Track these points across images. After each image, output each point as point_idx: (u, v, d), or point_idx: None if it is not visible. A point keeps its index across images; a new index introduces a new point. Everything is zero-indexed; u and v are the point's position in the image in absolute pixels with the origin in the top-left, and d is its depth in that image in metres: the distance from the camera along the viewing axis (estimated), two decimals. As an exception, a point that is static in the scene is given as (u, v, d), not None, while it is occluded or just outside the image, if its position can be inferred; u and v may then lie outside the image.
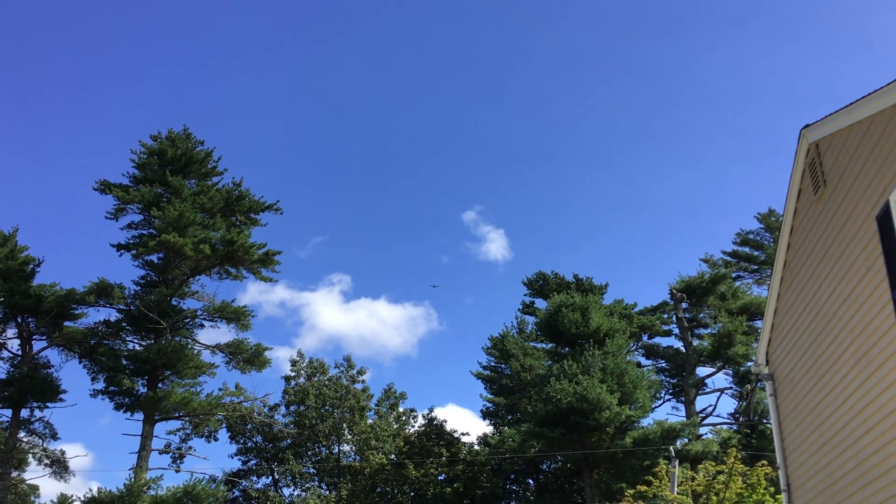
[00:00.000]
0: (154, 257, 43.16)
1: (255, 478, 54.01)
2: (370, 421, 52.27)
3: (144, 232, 43.53)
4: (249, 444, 53.45)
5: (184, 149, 44.50)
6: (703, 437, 43.22)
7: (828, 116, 12.02)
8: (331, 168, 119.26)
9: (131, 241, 43.37)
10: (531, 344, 52.30)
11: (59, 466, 45.00)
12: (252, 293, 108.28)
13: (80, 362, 43.44)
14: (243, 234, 42.09)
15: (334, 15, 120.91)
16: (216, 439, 48.37)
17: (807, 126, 12.98)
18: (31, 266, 43.84)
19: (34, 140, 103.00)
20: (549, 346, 47.88)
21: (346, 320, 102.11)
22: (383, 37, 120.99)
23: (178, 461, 45.77)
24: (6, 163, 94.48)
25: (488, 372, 54.16)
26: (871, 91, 10.46)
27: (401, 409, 55.14)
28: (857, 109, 10.96)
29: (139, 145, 44.63)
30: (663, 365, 50.59)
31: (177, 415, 42.19)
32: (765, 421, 42.85)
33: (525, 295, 54.70)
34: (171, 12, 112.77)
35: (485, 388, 54.04)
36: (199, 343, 44.28)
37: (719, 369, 47.45)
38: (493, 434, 50.90)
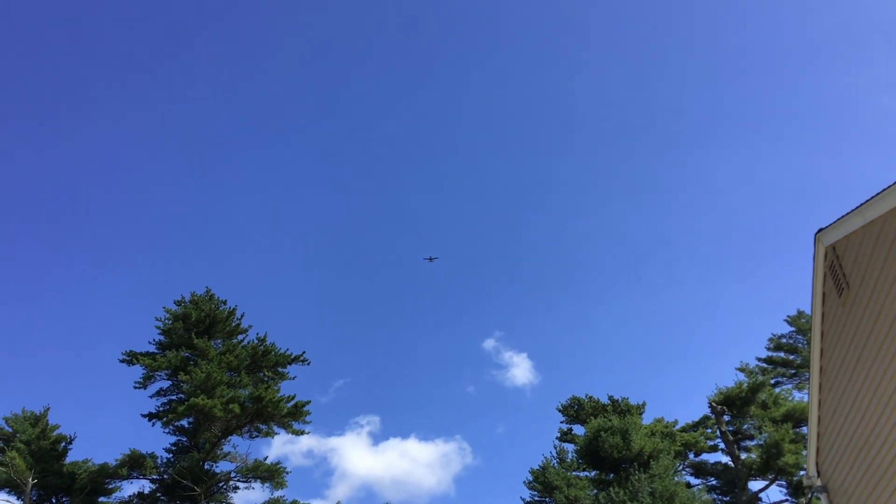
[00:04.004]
0: (184, 422, 42.82)
1: None
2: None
3: (173, 397, 43.41)
4: None
5: (207, 310, 44.90)
6: (766, 555, 41.13)
7: (840, 219, 11.98)
8: (346, 311, 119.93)
9: (161, 409, 43.17)
10: (574, 473, 50.72)
11: None
12: (278, 444, 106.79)
13: (116, 538, 42.48)
14: (271, 389, 41.84)
15: (346, 158, 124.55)
16: None
17: (821, 230, 12.93)
18: (63, 444, 43.67)
19: (59, 321, 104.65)
20: (593, 473, 46.38)
21: (376, 463, 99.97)
22: (395, 166, 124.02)
23: None
24: (35, 345, 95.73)
25: (533, 507, 52.29)
26: (879, 191, 10.46)
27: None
28: (868, 210, 10.93)
29: (164, 312, 45.08)
30: (714, 482, 48.75)
31: (217, 585, 40.80)
32: (828, 532, 40.78)
33: (561, 422, 53.55)
34: (181, 181, 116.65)
35: (532, 526, 52.02)
36: (235, 506, 43.30)
37: (772, 482, 45.57)
38: (547, 573, 48.65)
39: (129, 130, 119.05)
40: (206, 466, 42.14)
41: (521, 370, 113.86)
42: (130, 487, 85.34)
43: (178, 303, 45.50)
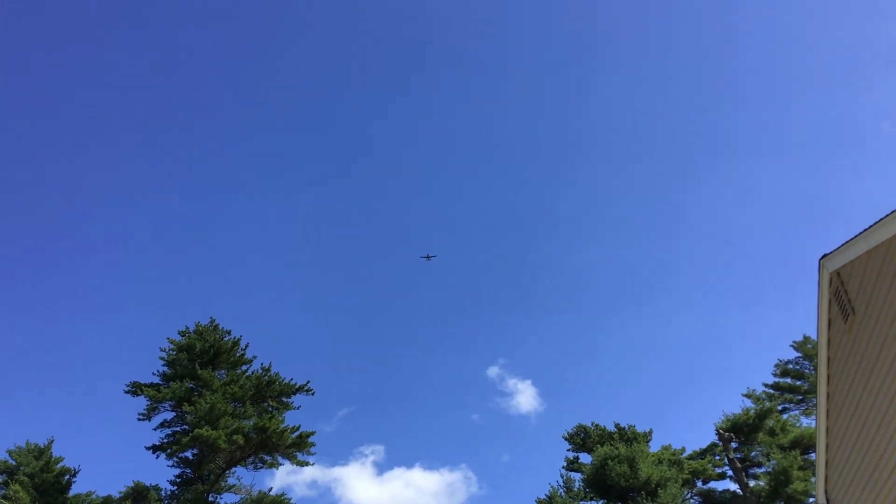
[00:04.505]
0: (188, 454, 42.56)
1: None
2: None
3: (178, 429, 43.15)
4: None
5: (212, 340, 44.81)
6: (777, 585, 40.61)
7: (845, 244, 11.95)
8: (350, 340, 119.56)
9: (165, 441, 42.91)
10: (581, 502, 50.28)
11: None
12: (281, 475, 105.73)
13: (118, 572, 42.09)
14: (275, 419, 41.64)
15: (352, 189, 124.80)
16: None
17: (825, 255, 12.90)
18: (67, 477, 43.35)
19: (63, 352, 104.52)
20: (601, 502, 45.96)
21: (381, 493, 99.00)
22: (401, 196, 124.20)
23: None
24: (39, 377, 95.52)
25: (541, 538, 51.75)
26: (882, 216, 10.44)
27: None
28: (872, 235, 10.90)
29: (168, 342, 45.00)
30: (722, 511, 48.22)
31: None
32: (839, 561, 40.25)
33: (568, 450, 53.15)
34: (190, 214, 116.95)
35: (539, 556, 51.44)
36: (240, 539, 42.91)
37: (782, 509, 45.10)
38: None
39: (132, 154, 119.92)
40: (211, 498, 41.80)
41: (525, 397, 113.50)
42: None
43: (182, 333, 45.44)
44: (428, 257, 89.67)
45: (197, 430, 38.84)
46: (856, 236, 11.36)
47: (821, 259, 13.07)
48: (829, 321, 13.90)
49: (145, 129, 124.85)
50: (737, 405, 69.14)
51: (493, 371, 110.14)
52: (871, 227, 10.75)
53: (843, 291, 12.72)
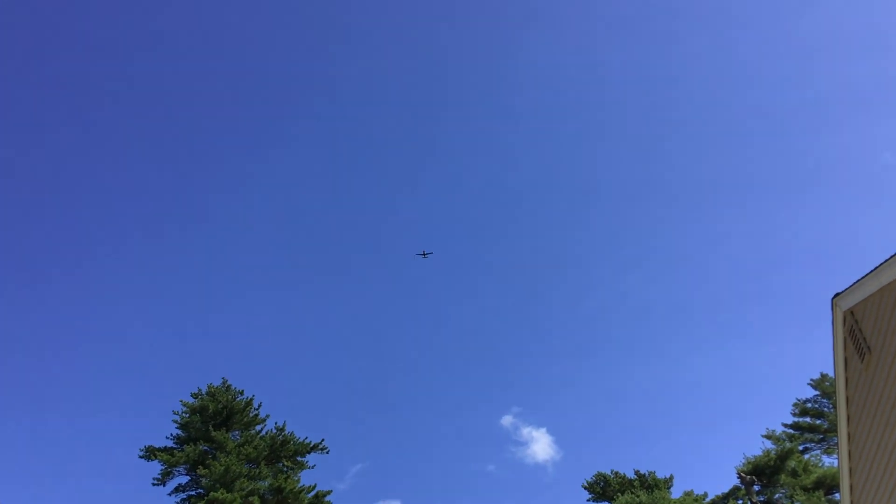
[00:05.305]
0: (204, 518, 42.06)
1: None
2: None
3: (193, 493, 42.71)
4: None
5: (224, 402, 44.57)
6: None
7: (856, 283, 11.91)
8: (360, 394, 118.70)
9: (180, 507, 42.44)
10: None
11: None
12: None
13: None
14: (290, 479, 41.25)
15: (361, 240, 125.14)
16: None
17: (837, 294, 12.84)
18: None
19: (75, 420, 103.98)
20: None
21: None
22: (409, 245, 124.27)
23: None
24: (52, 444, 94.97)
25: (564, 591, 50.81)
26: (893, 253, 10.40)
27: None
28: (883, 272, 10.86)
29: (181, 405, 44.74)
30: (748, 556, 47.27)
31: None
32: None
33: (588, 500, 52.39)
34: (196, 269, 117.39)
35: None
36: None
37: (808, 553, 44.16)
38: None
39: (141, 210, 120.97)
40: (228, 563, 41.20)
41: (541, 446, 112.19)
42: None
43: (194, 395, 45.23)
44: (424, 254, 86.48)
45: (212, 493, 38.45)
46: (867, 274, 11.31)
47: (833, 298, 13.00)
48: (846, 360, 13.77)
49: (150, 177, 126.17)
50: (757, 447, 67.95)
51: (506, 420, 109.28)
52: (881, 264, 10.71)
53: (857, 330, 12.61)
